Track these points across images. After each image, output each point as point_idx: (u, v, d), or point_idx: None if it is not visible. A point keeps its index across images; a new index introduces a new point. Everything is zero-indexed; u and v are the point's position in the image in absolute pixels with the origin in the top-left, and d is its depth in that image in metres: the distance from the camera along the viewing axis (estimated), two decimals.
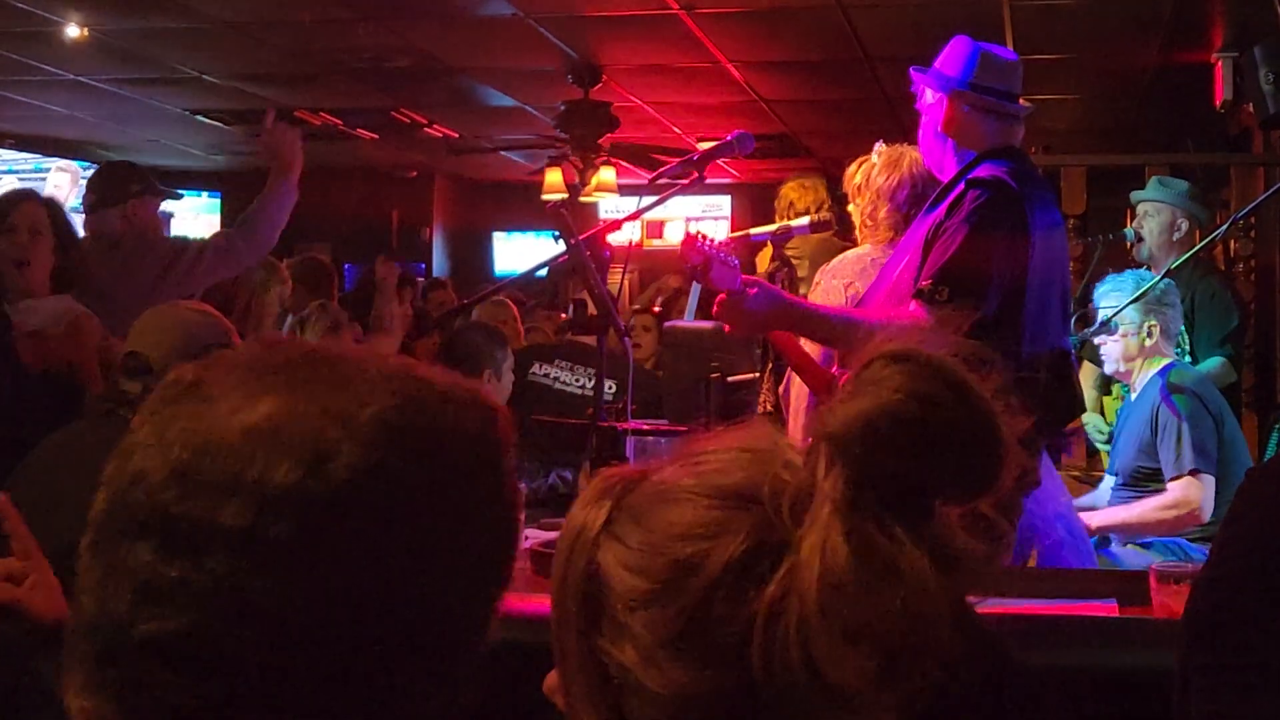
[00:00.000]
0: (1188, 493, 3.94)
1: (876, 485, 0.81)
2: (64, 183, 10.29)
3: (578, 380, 4.79)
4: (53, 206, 3.90)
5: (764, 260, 4.78)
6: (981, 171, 2.99)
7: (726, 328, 3.03)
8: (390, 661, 0.78)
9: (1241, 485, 1.38)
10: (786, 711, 0.79)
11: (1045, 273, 2.97)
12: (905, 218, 3.47)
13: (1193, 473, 3.93)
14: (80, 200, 4.60)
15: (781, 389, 3.85)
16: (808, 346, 3.32)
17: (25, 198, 3.91)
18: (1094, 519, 4.07)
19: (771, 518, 0.82)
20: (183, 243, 4.33)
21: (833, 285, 3.59)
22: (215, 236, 4.36)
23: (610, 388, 4.23)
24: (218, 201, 11.62)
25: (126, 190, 4.25)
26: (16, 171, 10.41)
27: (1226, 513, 1.40)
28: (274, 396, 0.78)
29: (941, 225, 2.95)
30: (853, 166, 3.65)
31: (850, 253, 3.69)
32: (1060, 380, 3.04)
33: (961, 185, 2.98)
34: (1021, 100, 3.18)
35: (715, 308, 2.92)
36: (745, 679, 0.79)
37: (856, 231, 3.69)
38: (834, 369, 3.24)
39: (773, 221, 3.87)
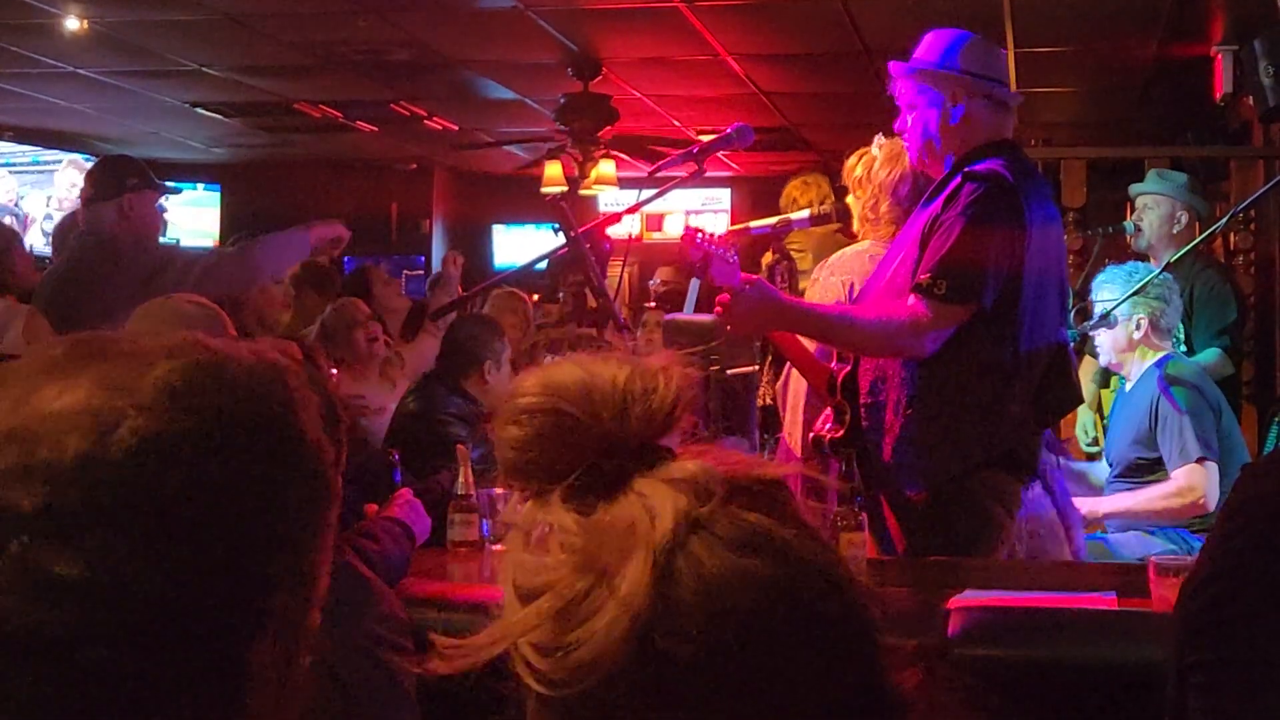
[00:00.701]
0: (1193, 479, 3.94)
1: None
2: (79, 180, 10.29)
3: None
4: None
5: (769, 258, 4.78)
6: (978, 165, 2.99)
7: (729, 329, 3.03)
8: (209, 619, 0.79)
9: (1237, 481, 1.37)
10: None
11: (1042, 266, 2.97)
12: (906, 212, 3.46)
13: (1199, 460, 3.94)
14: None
15: (780, 384, 3.85)
16: (806, 343, 3.32)
17: None
18: (1101, 506, 4.08)
19: None
20: (174, 251, 4.33)
21: (831, 281, 3.59)
22: (208, 254, 4.36)
23: None
24: (217, 194, 11.61)
25: (123, 184, 4.24)
26: (14, 165, 10.40)
27: (1222, 509, 1.39)
28: (58, 381, 0.80)
29: (938, 219, 2.96)
30: (852, 159, 3.63)
31: (850, 248, 3.69)
32: (1058, 373, 3.05)
33: (958, 179, 2.98)
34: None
35: (717, 308, 2.92)
36: None
37: (856, 224, 3.68)
38: (833, 364, 3.24)
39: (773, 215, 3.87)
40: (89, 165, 10.20)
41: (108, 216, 4.21)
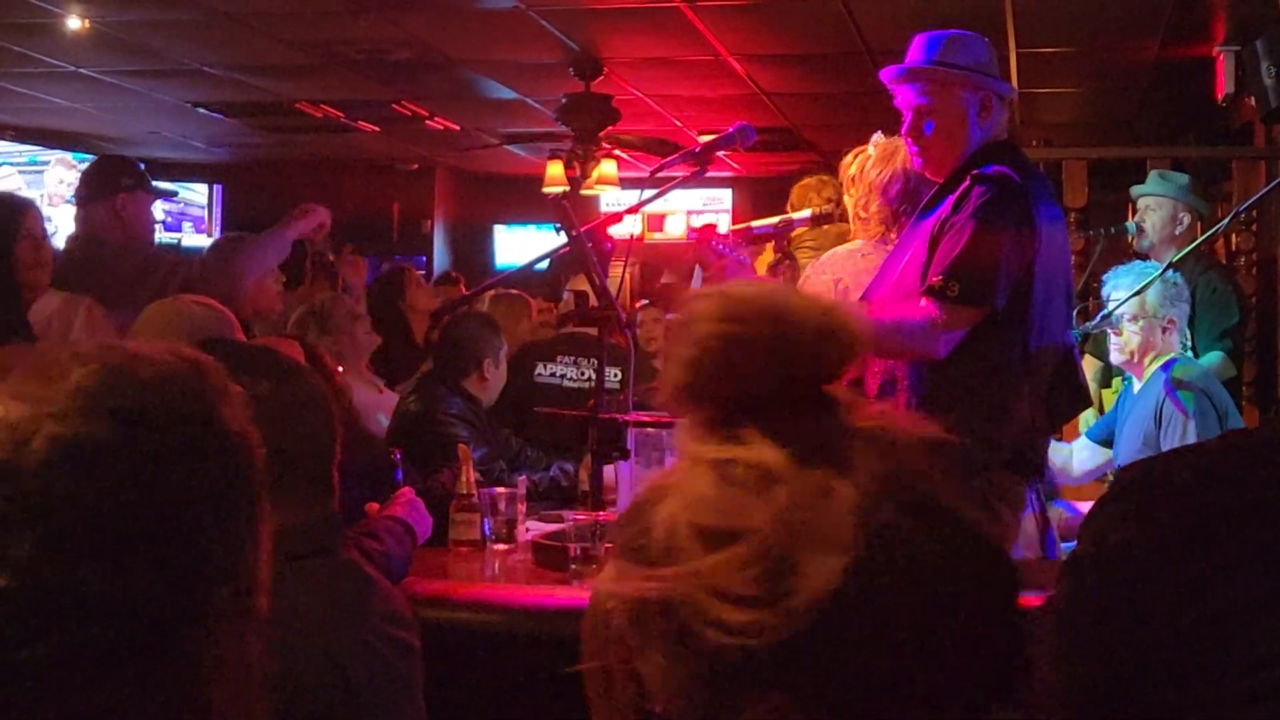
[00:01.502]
0: None
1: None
2: (69, 178, 10.30)
3: (583, 374, 4.78)
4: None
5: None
6: (987, 168, 2.98)
7: None
8: (142, 615, 0.80)
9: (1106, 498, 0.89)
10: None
11: (1050, 267, 2.97)
12: (895, 213, 3.46)
13: None
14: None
15: None
16: None
17: (32, 204, 3.93)
18: None
19: None
20: (160, 256, 4.31)
21: (822, 280, 3.58)
22: (192, 261, 4.33)
23: (615, 375, 4.24)
24: (218, 193, 11.62)
25: (117, 184, 4.23)
26: (13, 164, 10.41)
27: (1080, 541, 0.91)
28: None
29: (948, 221, 2.95)
30: (849, 156, 3.62)
31: (840, 248, 3.68)
32: (1066, 374, 3.05)
33: (967, 181, 2.97)
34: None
35: None
36: None
37: (850, 223, 3.67)
38: None
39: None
40: (76, 163, 10.31)
41: (101, 217, 4.20)
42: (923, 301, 2.91)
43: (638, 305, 7.61)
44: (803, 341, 0.83)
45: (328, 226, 4.44)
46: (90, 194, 4.26)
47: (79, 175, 4.62)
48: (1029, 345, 2.95)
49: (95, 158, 6.25)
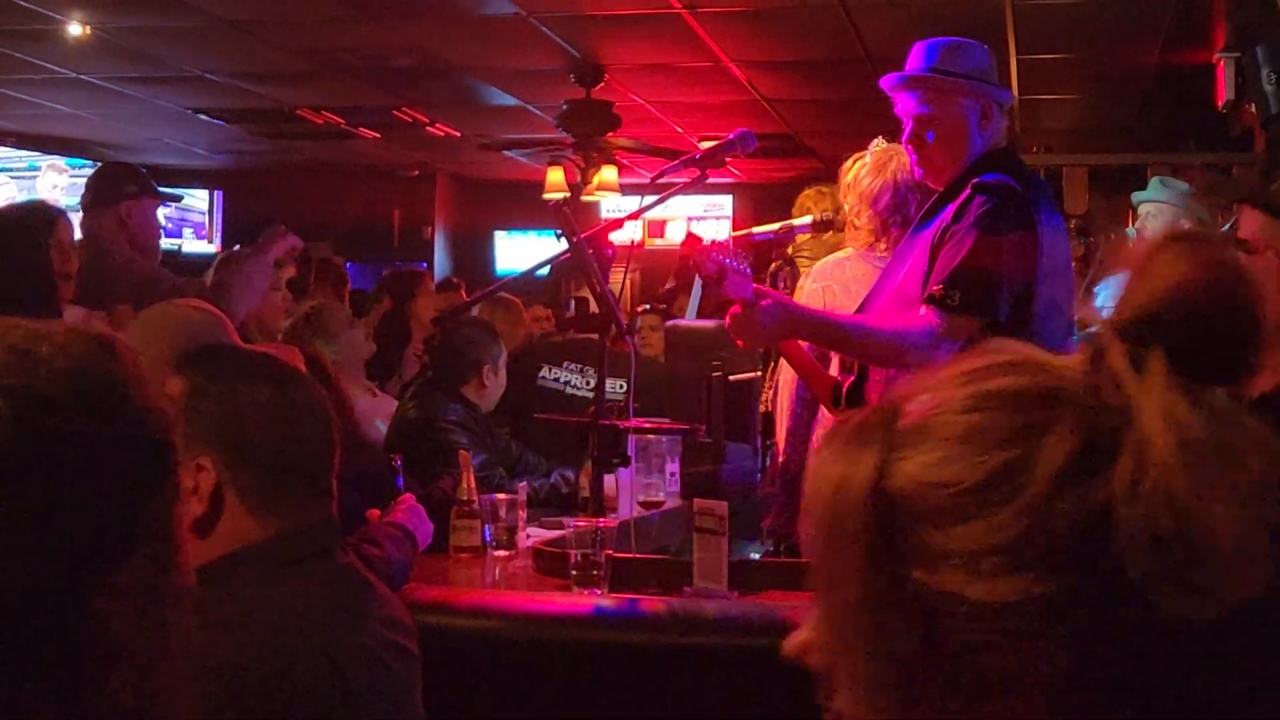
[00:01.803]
0: None
1: (1194, 356, 0.80)
2: (62, 183, 10.30)
3: (588, 383, 4.78)
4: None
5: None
6: (987, 177, 2.97)
7: (740, 342, 3.00)
8: (48, 587, 0.81)
9: None
10: (1136, 601, 0.77)
11: (1052, 275, 2.97)
12: (885, 224, 3.46)
13: None
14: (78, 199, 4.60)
15: (771, 393, 3.85)
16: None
17: (63, 213, 3.95)
18: None
19: (1087, 409, 0.80)
20: (160, 274, 4.31)
21: (814, 288, 3.59)
22: (194, 283, 4.32)
23: (620, 386, 4.23)
24: (219, 199, 11.63)
25: (121, 191, 4.23)
26: (10, 170, 10.43)
27: None
28: None
29: (949, 230, 2.94)
30: (849, 162, 3.62)
31: (831, 256, 3.69)
32: None
33: (968, 190, 2.96)
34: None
35: (728, 319, 2.90)
36: (1088, 578, 0.77)
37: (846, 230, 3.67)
38: (837, 374, 3.22)
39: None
40: (68, 168, 10.31)
41: (106, 223, 4.20)
42: (923, 310, 2.91)
43: (639, 310, 7.60)
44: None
45: (298, 249, 4.44)
46: (95, 200, 4.26)
47: (69, 180, 4.64)
48: None
49: (99, 164, 6.26)
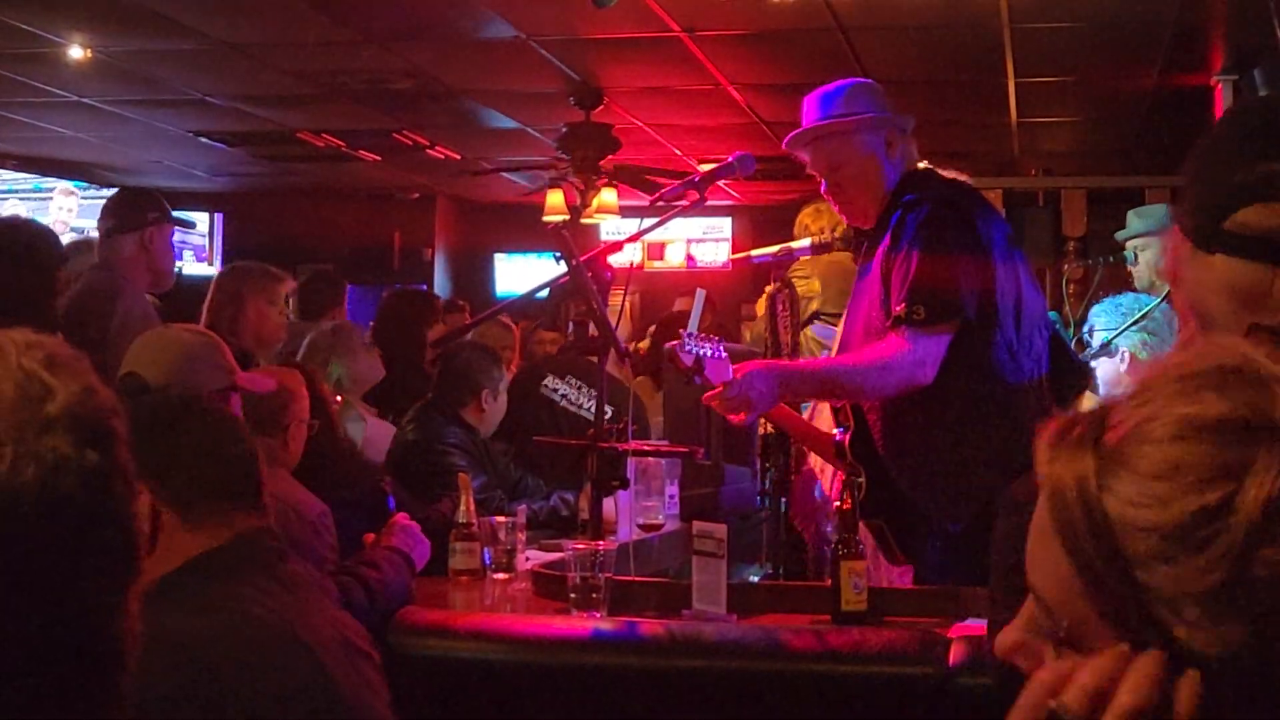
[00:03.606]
0: None
1: None
2: (72, 205, 10.34)
3: (585, 402, 4.78)
4: None
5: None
6: (908, 196, 3.03)
7: (734, 419, 2.98)
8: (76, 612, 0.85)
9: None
10: None
11: (1006, 267, 2.98)
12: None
13: None
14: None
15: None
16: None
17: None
18: None
19: None
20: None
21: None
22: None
23: (608, 412, 4.22)
24: (219, 222, 11.63)
25: (144, 218, 4.27)
26: (17, 191, 10.44)
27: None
28: None
29: (891, 253, 2.97)
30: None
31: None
32: (1049, 404, 3.04)
33: (898, 212, 3.00)
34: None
35: (715, 403, 2.90)
36: None
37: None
38: (835, 432, 3.17)
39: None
40: (77, 190, 10.33)
41: (127, 248, 4.24)
42: (891, 335, 2.92)
43: (650, 330, 7.57)
44: None
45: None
46: (117, 225, 4.28)
47: (79, 203, 4.67)
48: (1008, 370, 2.95)
49: (115, 189, 6.26)
